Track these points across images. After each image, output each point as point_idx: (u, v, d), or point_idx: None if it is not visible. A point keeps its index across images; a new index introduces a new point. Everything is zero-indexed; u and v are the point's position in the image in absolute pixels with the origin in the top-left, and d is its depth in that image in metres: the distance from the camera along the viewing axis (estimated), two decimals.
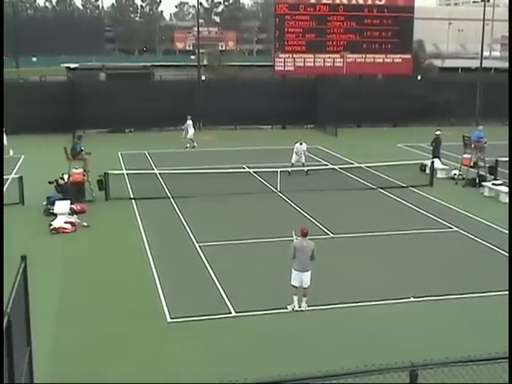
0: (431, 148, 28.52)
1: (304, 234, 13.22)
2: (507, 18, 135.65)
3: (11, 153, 30.15)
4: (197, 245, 17.77)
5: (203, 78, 44.99)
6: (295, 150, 27.53)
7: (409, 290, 14.45)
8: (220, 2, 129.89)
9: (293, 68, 43.72)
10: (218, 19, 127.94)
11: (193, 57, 74.03)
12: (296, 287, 13.20)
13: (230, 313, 13.33)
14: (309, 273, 13.12)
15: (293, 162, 27.30)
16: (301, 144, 27.64)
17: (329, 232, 19.13)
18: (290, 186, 24.02)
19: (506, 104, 41.92)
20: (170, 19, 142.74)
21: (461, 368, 7.63)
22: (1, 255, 16.78)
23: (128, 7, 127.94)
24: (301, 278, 13.10)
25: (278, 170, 24.75)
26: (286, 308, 13.23)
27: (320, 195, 23.58)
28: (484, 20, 46.20)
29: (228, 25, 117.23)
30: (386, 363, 7.23)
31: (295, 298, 13.26)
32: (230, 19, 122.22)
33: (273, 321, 12.96)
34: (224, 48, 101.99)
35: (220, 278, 15.17)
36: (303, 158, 27.55)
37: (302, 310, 13.19)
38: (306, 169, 26.90)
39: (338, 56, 43.71)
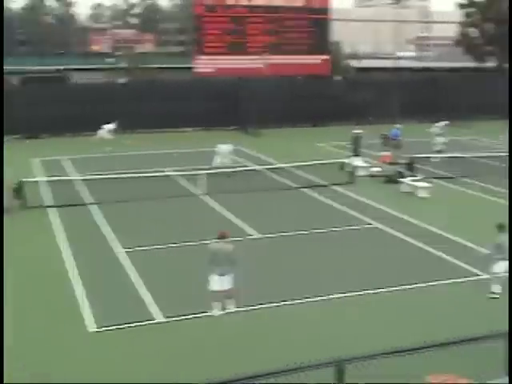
0: (351, 147, 29.10)
1: (222, 237, 13.08)
2: (420, 19, 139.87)
3: None
4: (121, 251, 17.49)
5: (122, 80, 44.38)
6: (218, 151, 27.56)
7: (332, 287, 14.68)
8: (137, 4, 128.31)
9: (214, 70, 43.72)
10: (135, 21, 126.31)
11: (110, 59, 72.78)
12: (217, 292, 12.97)
13: (157, 318, 13.18)
14: (229, 276, 12.85)
15: (216, 164, 27.27)
16: (225, 145, 27.73)
17: (253, 233, 19.22)
18: (214, 189, 23.99)
19: (420, 102, 43.48)
20: (86, 21, 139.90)
21: (387, 360, 7.84)
22: (1, 255, 16.28)
23: (40, 9, 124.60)
24: (221, 282, 12.84)
25: (203, 172, 24.69)
26: (211, 314, 13.03)
27: (244, 197, 23.66)
28: (397, 21, 47.49)
29: (146, 27, 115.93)
30: (311, 360, 7.34)
31: (216, 304, 13.02)
32: (147, 21, 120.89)
33: (201, 324, 12.90)
34: (142, 50, 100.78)
35: (146, 283, 14.98)
36: (227, 159, 27.60)
37: (228, 312, 13.05)
38: (229, 170, 26.91)
39: (258, 57, 44.00)
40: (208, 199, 23.29)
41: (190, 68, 46.24)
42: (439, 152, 31.24)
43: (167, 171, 27.03)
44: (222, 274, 12.77)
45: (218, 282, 12.82)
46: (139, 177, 24.66)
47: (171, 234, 19.00)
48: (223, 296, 13.07)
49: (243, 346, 11.96)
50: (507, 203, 22.53)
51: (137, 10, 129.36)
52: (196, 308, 13.39)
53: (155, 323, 12.97)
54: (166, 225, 20.31)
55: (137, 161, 30.31)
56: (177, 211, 21.98)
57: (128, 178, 24.35)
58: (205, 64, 43.47)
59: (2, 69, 41.69)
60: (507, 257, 13.92)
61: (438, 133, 33.39)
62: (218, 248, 12.92)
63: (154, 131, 40.61)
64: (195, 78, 44.40)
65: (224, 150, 28.03)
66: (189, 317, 13.13)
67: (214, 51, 43.44)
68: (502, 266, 14.15)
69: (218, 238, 13.12)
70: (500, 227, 14.33)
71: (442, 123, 35.52)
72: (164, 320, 13.08)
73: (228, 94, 41.63)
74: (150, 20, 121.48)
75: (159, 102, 39.64)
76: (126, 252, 17.34)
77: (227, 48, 43.49)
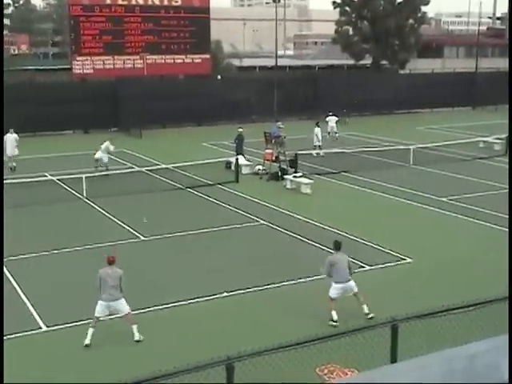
0: (235, 145, 29.29)
1: (110, 262, 12.14)
2: (297, 17, 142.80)
3: None
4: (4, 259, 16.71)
5: None
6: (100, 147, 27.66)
7: (222, 286, 14.72)
8: (9, 4, 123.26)
9: (92, 71, 42.71)
10: (7, 21, 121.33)
11: None
12: (98, 319, 12.02)
13: (41, 328, 12.73)
14: (121, 300, 12.09)
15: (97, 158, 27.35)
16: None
17: (139, 235, 18.94)
18: (96, 192, 23.42)
19: (300, 99, 44.49)
20: None
21: (275, 355, 7.94)
22: (1, 255, 14.95)
23: None
24: (110, 309, 12.08)
25: (83, 175, 24.04)
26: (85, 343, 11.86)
27: (128, 199, 23.26)
28: (276, 20, 48.33)
29: (19, 27, 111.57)
30: (203, 360, 7.32)
31: (90, 331, 11.89)
32: (21, 21, 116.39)
33: (83, 332, 12.55)
34: (16, 52, 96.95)
35: (27, 292, 14.41)
36: (105, 155, 27.45)
37: (136, 340, 12.03)
38: (112, 173, 26.31)
39: (138, 57, 43.43)
40: (92, 203, 22.70)
41: (68, 69, 44.94)
42: (319, 147, 32.15)
43: (45, 175, 26.16)
44: (113, 300, 12.00)
45: (106, 310, 12.08)
46: (18, 182, 23.72)
47: (54, 241, 18.32)
48: (126, 320, 12.23)
49: (131, 351, 11.76)
50: (385, 196, 23.52)
51: (9, 10, 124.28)
52: (79, 316, 13.01)
53: (38, 332, 12.51)
54: (49, 231, 19.61)
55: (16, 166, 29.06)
56: (60, 216, 21.27)
57: (6, 183, 23.35)
58: (83, 65, 42.37)
59: (2, 69, 40.13)
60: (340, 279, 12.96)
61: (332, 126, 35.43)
62: (106, 273, 12.08)
63: (32, 135, 39.08)
64: (74, 80, 43.20)
65: (103, 147, 27.86)
66: (70, 325, 12.76)
67: (92, 52, 42.45)
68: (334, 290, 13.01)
69: (108, 263, 12.20)
70: (336, 244, 13.43)
71: (333, 118, 36.69)
72: (46, 329, 12.64)
73: (108, 95, 40.74)
74: (24, 20, 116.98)
75: (37, 105, 38.18)
76: (7, 261, 16.59)
77: (105, 48, 42.59)
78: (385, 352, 8.73)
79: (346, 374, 10.08)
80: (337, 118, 37.25)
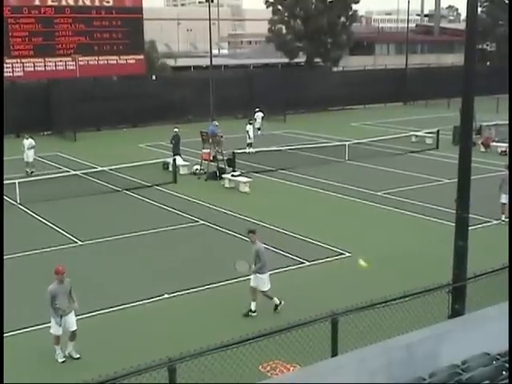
0: (171, 146, 29.09)
1: (59, 275, 11.57)
2: (231, 17, 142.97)
3: None
4: None
5: None
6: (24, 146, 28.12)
7: (162, 288, 14.63)
8: None
9: (22, 73, 41.70)
10: None
11: None
12: (58, 336, 11.61)
13: None
14: (72, 313, 11.72)
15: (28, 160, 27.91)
16: (27, 139, 28.46)
17: (77, 240, 18.63)
18: (30, 197, 22.88)
19: (236, 98, 44.57)
20: None
21: (217, 355, 7.95)
22: (1, 255, 14.14)
23: None
24: (63, 323, 11.60)
25: (16, 181, 23.46)
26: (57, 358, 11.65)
27: (64, 203, 22.83)
28: (210, 19, 48.19)
29: None
30: (145, 363, 7.28)
31: (58, 348, 11.63)
32: None
33: (26, 340, 12.29)
34: None
35: None
36: (30, 153, 28.06)
37: (73, 357, 11.66)
38: (45, 177, 25.69)
39: (70, 59, 42.63)
40: (26, 209, 22.17)
41: None
42: (251, 145, 32.44)
43: None
44: (64, 314, 11.58)
45: (59, 325, 11.58)
46: None
47: None
48: (66, 337, 11.78)
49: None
50: (323, 192, 23.85)
51: None
52: (14, 325, 12.74)
53: None
54: None
55: None
56: None
57: None
58: (13, 68, 41.32)
59: (2, 69, 38.87)
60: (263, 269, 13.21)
61: (258, 125, 35.57)
62: (57, 287, 11.59)
63: None
64: (4, 83, 42.05)
65: (27, 145, 28.33)
66: (15, 332, 12.48)
67: (22, 54, 41.45)
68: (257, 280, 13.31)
69: (57, 279, 11.64)
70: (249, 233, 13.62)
71: (260, 114, 37.01)
72: None
73: (40, 98, 39.91)
74: None
75: None
76: None
77: (35, 50, 41.64)
78: (326, 346, 8.85)
79: (289, 369, 10.18)
80: (262, 115, 37.70)
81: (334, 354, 8.62)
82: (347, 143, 30.59)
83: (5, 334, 12.21)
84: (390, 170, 27.71)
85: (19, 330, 12.62)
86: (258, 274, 13.29)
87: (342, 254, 16.97)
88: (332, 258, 16.74)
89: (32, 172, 27.42)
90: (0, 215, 17.26)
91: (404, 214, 20.92)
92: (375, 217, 20.91)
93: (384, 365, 7.26)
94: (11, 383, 8.29)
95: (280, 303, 13.35)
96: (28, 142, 28.54)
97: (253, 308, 13.28)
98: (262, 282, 13.31)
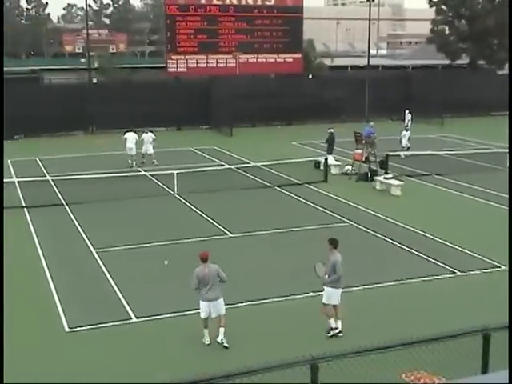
0: (325, 145, 29.07)
1: (204, 260, 11.82)
2: (392, 16, 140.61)
3: None
4: (94, 251, 17.34)
5: (94, 80, 43.96)
6: (143, 139, 29.29)
7: (307, 286, 14.64)
8: (109, 4, 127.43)
9: (186, 69, 43.53)
10: (107, 21, 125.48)
11: (83, 60, 72.19)
12: (206, 319, 11.88)
13: (131, 318, 13.10)
14: (220, 300, 11.81)
15: (143, 152, 29.21)
16: (146, 133, 29.49)
17: (227, 232, 19.16)
18: (187, 188, 23.87)
19: (392, 100, 43.71)
20: (58, 22, 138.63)
21: (360, 358, 7.82)
22: (1, 255, 16.00)
23: (13, 10, 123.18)
24: (210, 308, 11.77)
25: (175, 172, 24.54)
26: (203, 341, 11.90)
27: (217, 195, 23.59)
28: (370, 19, 47.72)
29: (118, 27, 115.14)
30: (286, 359, 7.29)
31: (206, 332, 11.90)
32: (120, 21, 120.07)
33: (175, 324, 12.82)
34: (115, 50, 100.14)
35: (119, 283, 14.88)
36: (151, 148, 29.15)
37: (224, 345, 11.76)
38: (198, 170, 26.44)
39: (231, 56, 43.93)
40: (182, 199, 23.12)
41: (162, 68, 45.91)
42: (407, 149, 31.53)
43: (139, 171, 26.99)
44: (212, 299, 11.76)
45: (206, 309, 11.81)
46: (111, 177, 24.58)
47: (144, 234, 18.85)
48: (215, 322, 11.93)
49: (219, 348, 11.91)
50: (479, 200, 22.76)
51: (109, 11, 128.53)
52: (170, 308, 13.33)
53: (128, 323, 12.89)
54: (139, 224, 20.15)
55: (108, 161, 30.01)
56: (150, 211, 21.82)
57: (100, 178, 24.39)
58: (177, 64, 43.26)
59: (2, 69, 41.32)
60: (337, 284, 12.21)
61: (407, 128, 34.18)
62: (203, 271, 11.71)
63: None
64: (168, 78, 44.18)
65: (147, 138, 29.40)
66: (159, 317, 13.07)
67: (187, 51, 43.27)
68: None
69: (201, 261, 11.83)
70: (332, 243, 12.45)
71: (409, 115, 35.86)
72: (136, 320, 13.00)
73: (201, 94, 41.49)
74: (123, 20, 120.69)
75: (132, 102, 39.23)
76: (101, 252, 17.19)
77: (199, 47, 43.33)
78: (475, 361, 8.44)
79: (434, 381, 9.83)
80: (411, 116, 36.25)
81: (485, 370, 8.19)
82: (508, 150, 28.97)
83: (167, 315, 12.82)
84: None
85: (179, 312, 13.17)
86: (329, 288, 12.21)
87: (498, 266, 16.12)
88: (486, 270, 15.95)
89: (153, 163, 28.84)
90: (0, 215, 17.53)
91: None
92: None
93: None
94: (11, 383, 8.63)
95: (335, 329, 12.19)
96: (148, 135, 29.53)
97: (339, 327, 12.21)
98: (336, 295, 12.18)
